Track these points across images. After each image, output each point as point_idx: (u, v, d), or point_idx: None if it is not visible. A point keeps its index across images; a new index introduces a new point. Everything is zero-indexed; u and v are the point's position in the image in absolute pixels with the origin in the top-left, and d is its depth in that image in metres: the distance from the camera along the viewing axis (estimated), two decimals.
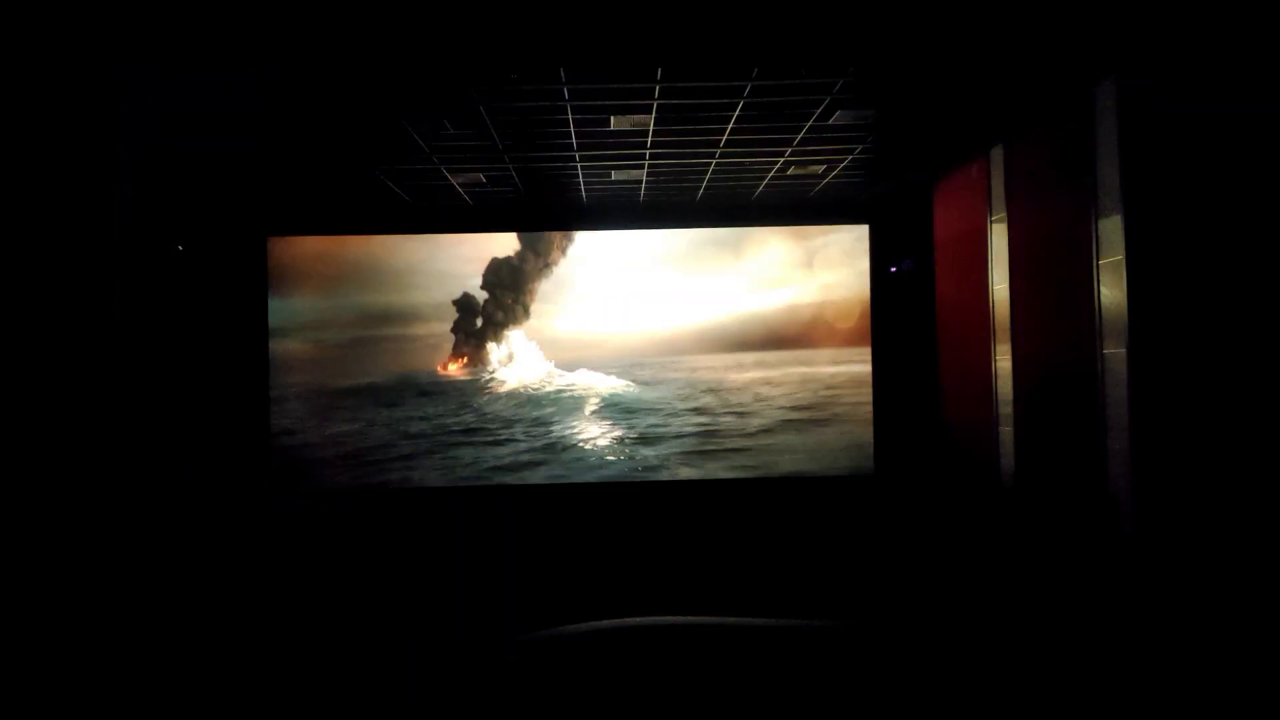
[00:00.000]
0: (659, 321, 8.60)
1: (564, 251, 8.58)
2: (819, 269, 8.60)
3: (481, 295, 8.60)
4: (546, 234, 8.56)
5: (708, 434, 8.54)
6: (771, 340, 8.63)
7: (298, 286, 8.40)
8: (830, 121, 5.88)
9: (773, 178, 7.46)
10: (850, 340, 8.57)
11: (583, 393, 8.64)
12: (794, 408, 8.58)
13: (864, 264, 8.56)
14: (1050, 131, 5.79)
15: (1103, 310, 5.07)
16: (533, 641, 1.05)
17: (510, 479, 8.39)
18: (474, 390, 8.65)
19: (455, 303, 8.58)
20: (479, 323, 8.63)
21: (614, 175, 7.30)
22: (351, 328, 8.48)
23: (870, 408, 8.51)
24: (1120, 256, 4.85)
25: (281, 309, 8.37)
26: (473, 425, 8.55)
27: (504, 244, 8.57)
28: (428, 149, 6.31)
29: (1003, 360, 6.65)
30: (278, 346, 8.36)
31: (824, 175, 7.44)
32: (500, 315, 8.64)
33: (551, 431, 8.56)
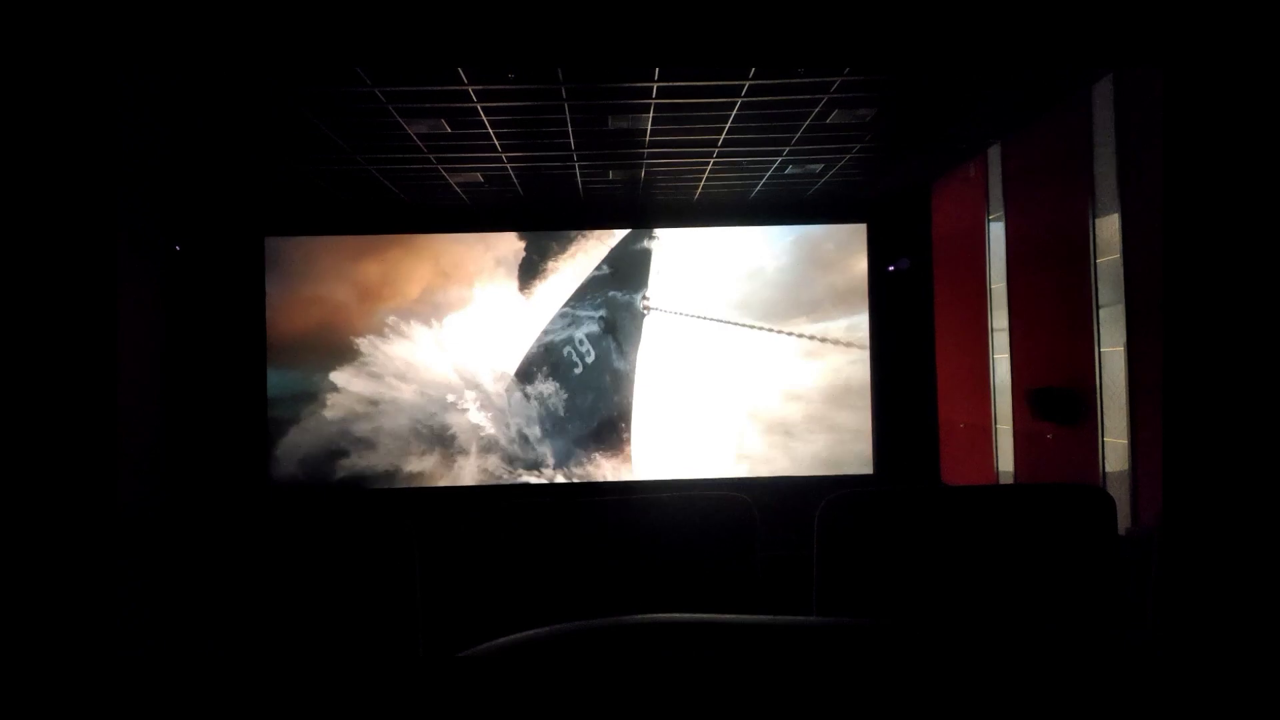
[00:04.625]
0: None
1: None
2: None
3: None
4: None
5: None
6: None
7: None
8: (828, 121, 5.89)
9: (770, 177, 7.46)
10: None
11: None
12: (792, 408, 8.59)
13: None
14: (1048, 130, 5.81)
15: (1100, 309, 5.08)
16: (531, 639, 1.04)
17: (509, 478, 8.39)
18: None
19: None
20: None
21: (611, 175, 7.30)
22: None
23: (868, 407, 8.52)
24: (1118, 255, 4.86)
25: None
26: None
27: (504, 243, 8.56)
28: (425, 149, 6.31)
29: (1000, 359, 6.66)
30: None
31: (822, 174, 7.44)
32: None
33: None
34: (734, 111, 5.64)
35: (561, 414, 8.52)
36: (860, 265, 8.52)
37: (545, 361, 8.53)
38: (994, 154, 6.69)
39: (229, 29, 1.17)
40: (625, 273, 8.57)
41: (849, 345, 8.45)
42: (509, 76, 4.90)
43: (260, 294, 8.30)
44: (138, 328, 7.16)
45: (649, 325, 8.55)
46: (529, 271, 8.57)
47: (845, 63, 4.77)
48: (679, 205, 8.48)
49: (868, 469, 8.43)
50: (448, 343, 8.46)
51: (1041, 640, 1.06)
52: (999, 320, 6.66)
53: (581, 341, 8.55)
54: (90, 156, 1.15)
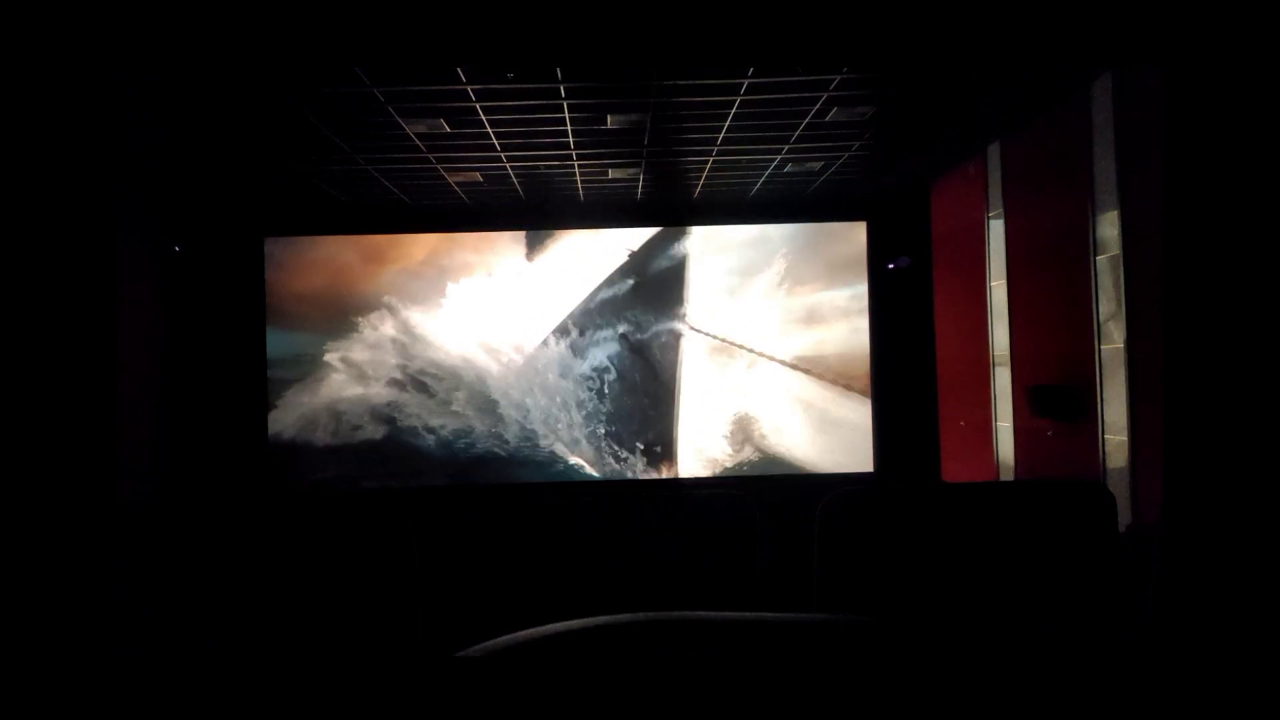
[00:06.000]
0: None
1: None
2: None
3: None
4: None
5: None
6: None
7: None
8: (827, 119, 5.88)
9: (770, 175, 7.46)
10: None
11: None
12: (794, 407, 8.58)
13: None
14: (1047, 128, 5.80)
15: (1100, 306, 5.09)
16: (531, 639, 1.04)
17: (508, 476, 8.39)
18: None
19: None
20: None
21: (611, 174, 7.30)
22: None
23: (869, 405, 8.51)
24: (1117, 252, 4.86)
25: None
26: None
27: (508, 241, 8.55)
28: (425, 149, 6.31)
29: (1000, 356, 6.66)
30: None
31: (821, 173, 7.44)
32: None
33: None
34: (733, 110, 5.63)
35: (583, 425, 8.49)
36: (863, 236, 8.50)
37: (559, 381, 8.43)
38: (994, 152, 6.69)
39: (229, 29, 1.17)
40: (654, 288, 8.50)
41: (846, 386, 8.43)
42: (508, 76, 4.90)
43: (260, 294, 8.29)
44: (138, 327, 7.16)
45: (685, 342, 8.50)
46: (537, 239, 8.53)
47: (844, 62, 4.77)
48: (678, 204, 8.48)
49: (868, 467, 8.43)
50: (451, 327, 8.42)
51: (1041, 640, 1.06)
52: (999, 318, 6.66)
53: (603, 359, 8.47)
54: (90, 156, 1.15)
